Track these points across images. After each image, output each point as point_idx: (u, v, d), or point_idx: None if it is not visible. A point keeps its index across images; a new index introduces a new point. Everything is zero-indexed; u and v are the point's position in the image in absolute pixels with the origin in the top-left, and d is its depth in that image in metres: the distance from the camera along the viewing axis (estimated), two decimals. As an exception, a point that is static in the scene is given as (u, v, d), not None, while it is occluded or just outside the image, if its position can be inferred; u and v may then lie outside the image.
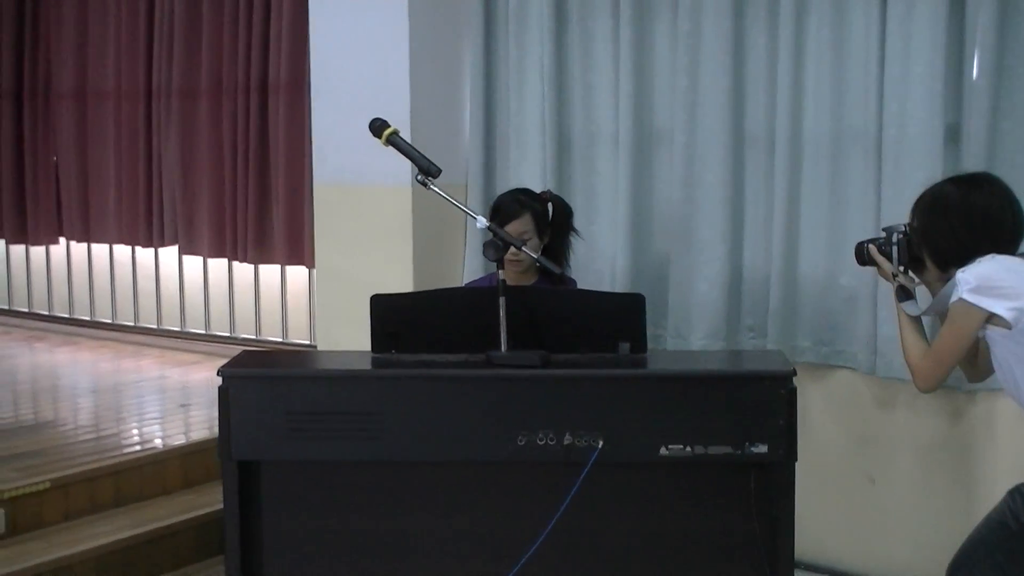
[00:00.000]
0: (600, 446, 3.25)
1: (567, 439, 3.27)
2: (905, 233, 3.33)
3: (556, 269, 3.60)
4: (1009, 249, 3.11)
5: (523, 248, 3.58)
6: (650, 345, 4.59)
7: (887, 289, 4.03)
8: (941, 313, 3.19)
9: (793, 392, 3.27)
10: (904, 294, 3.34)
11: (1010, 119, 4.02)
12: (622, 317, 3.52)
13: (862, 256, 3.48)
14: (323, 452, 3.35)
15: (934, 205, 3.21)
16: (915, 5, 4.11)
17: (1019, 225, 3.14)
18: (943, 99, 4.08)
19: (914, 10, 4.12)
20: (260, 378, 3.42)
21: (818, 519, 4.43)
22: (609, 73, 4.84)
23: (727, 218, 4.57)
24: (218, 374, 3.36)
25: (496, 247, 3.41)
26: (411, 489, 3.41)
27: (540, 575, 3.28)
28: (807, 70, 4.39)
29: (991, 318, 3.01)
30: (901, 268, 3.35)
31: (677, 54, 4.64)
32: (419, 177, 3.50)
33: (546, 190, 4.33)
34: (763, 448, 3.26)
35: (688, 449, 3.28)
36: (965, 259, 3.08)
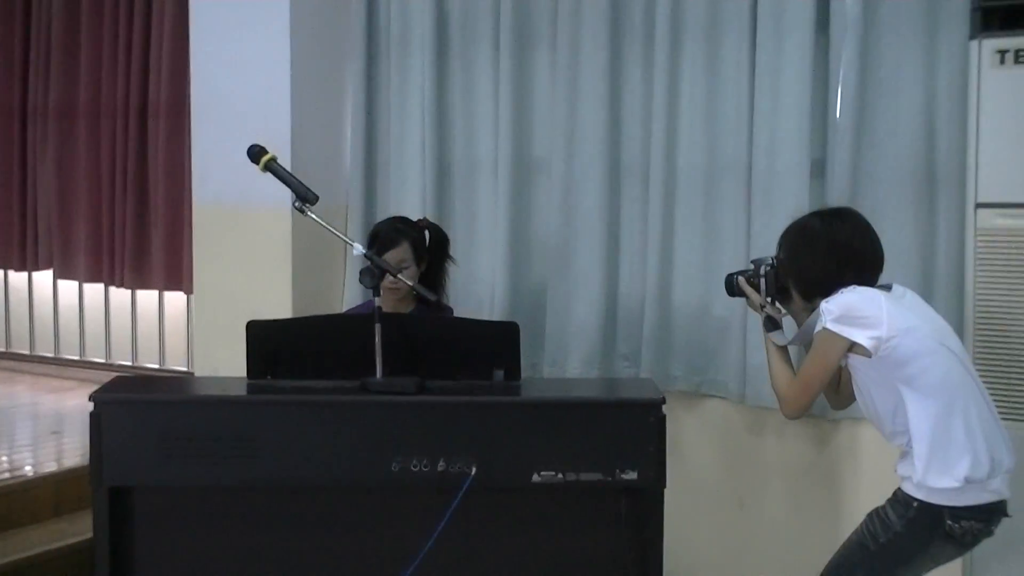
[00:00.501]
0: (473, 472, 3.28)
1: (441, 465, 3.30)
2: (772, 265, 3.43)
3: (432, 296, 3.64)
4: (870, 280, 3.23)
5: (399, 276, 3.61)
6: (527, 372, 4.68)
7: (757, 320, 4.14)
8: (806, 342, 3.30)
9: (662, 420, 3.33)
10: (771, 324, 3.44)
11: (872, 154, 4.17)
12: (497, 344, 3.56)
13: (731, 287, 3.58)
14: (197, 477, 3.33)
15: (799, 238, 3.32)
16: (782, 43, 4.25)
17: (878, 256, 3.27)
18: (809, 134, 4.22)
19: (781, 48, 4.25)
20: (133, 403, 3.39)
21: (690, 542, 4.52)
22: (489, 102, 4.90)
23: (603, 247, 4.66)
24: (90, 399, 3.33)
25: (372, 274, 3.43)
26: (286, 514, 3.40)
27: (416, 600, 3.31)
28: (681, 103, 4.50)
29: (853, 346, 3.12)
30: (768, 299, 3.46)
31: (556, 85, 4.73)
32: (296, 203, 3.50)
33: (423, 218, 4.37)
34: (633, 475, 3.32)
35: (560, 475, 3.32)
36: (829, 290, 3.19)
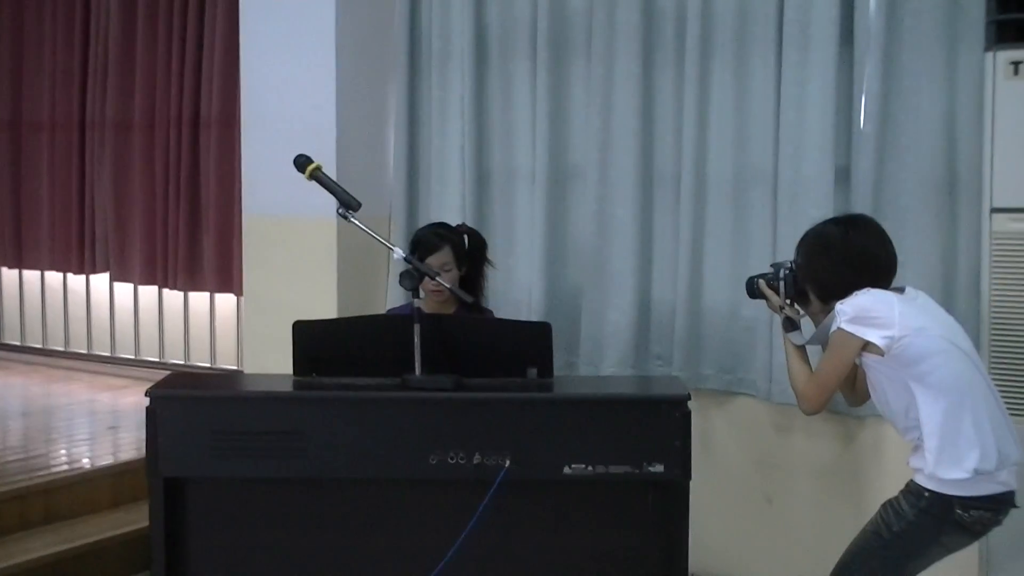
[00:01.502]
0: (507, 465, 3.43)
1: (477, 458, 3.44)
2: (791, 269, 3.59)
3: (468, 299, 3.82)
4: (884, 283, 3.38)
5: (437, 278, 3.79)
6: (563, 371, 4.85)
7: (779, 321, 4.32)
8: (823, 342, 3.45)
9: (688, 415, 3.47)
10: (790, 325, 3.60)
11: (894, 162, 4.31)
12: (531, 344, 3.71)
13: (752, 290, 3.74)
14: (246, 469, 3.50)
15: (817, 244, 3.48)
16: (808, 55, 4.39)
17: (892, 261, 3.42)
18: (833, 143, 4.36)
19: (807, 60, 4.40)
20: (186, 399, 3.58)
21: (720, 536, 4.68)
22: (527, 113, 5.08)
23: (636, 252, 4.82)
24: (146, 394, 3.50)
25: (412, 277, 3.60)
26: (329, 504, 3.56)
27: (451, 588, 3.47)
28: (711, 113, 4.66)
29: (867, 345, 3.27)
30: (788, 301, 3.62)
31: (590, 96, 4.89)
32: (340, 210, 3.67)
33: (462, 223, 4.55)
34: (660, 467, 3.45)
35: (590, 468, 3.45)
36: (844, 293, 3.35)
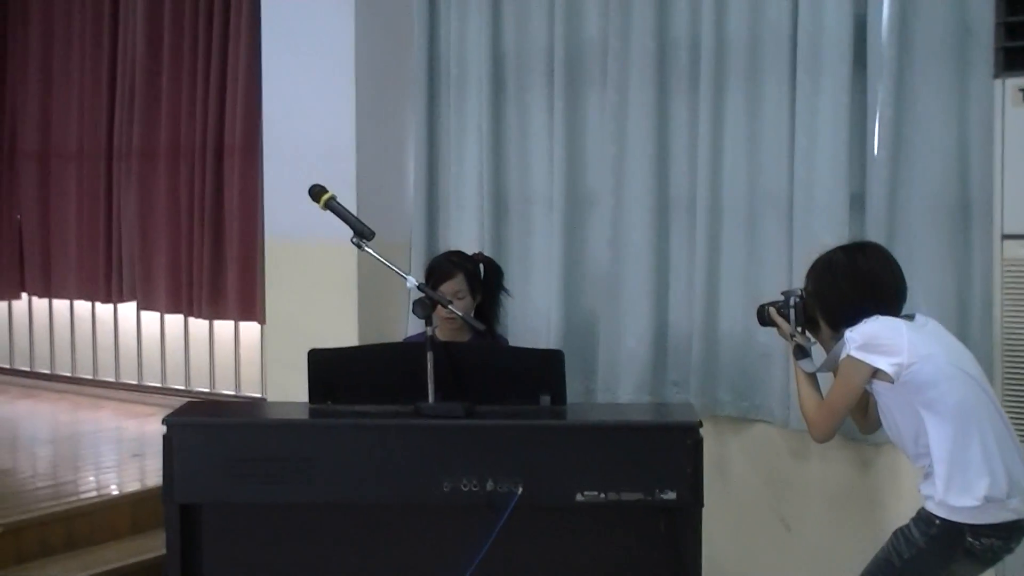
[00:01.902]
0: (520, 491, 3.45)
1: (489, 485, 3.46)
2: (801, 297, 3.61)
3: (480, 326, 3.86)
4: (893, 309, 3.40)
5: (449, 306, 3.83)
6: (581, 397, 4.87)
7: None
8: (833, 369, 3.47)
9: (699, 442, 3.48)
10: (800, 352, 3.62)
11: (907, 188, 4.32)
12: (544, 371, 3.73)
13: (763, 318, 3.76)
14: (260, 495, 3.54)
15: (825, 271, 3.51)
16: (820, 81, 4.41)
17: (900, 286, 3.44)
18: (847, 169, 4.37)
19: (819, 86, 4.41)
20: (202, 426, 3.63)
21: (737, 562, 4.68)
22: (543, 139, 5.11)
23: (652, 277, 4.83)
24: (163, 422, 3.56)
25: (424, 305, 3.64)
26: (344, 531, 3.59)
27: (464, 614, 3.50)
28: (725, 139, 4.68)
29: (876, 372, 3.29)
30: (798, 329, 3.63)
31: (605, 123, 4.92)
32: (354, 239, 3.73)
33: (478, 252, 4.58)
34: (672, 494, 3.46)
35: (602, 495, 3.47)
36: (854, 319, 3.37)
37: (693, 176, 4.75)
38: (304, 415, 3.71)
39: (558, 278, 5.02)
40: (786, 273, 4.50)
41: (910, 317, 3.41)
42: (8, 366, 7.53)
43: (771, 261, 4.61)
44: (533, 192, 5.17)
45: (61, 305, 7.26)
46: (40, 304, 7.37)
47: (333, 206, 3.78)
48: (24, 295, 7.39)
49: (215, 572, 3.61)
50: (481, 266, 4.44)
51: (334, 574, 3.61)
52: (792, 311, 3.63)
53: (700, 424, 3.53)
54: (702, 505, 3.50)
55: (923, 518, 3.33)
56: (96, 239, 6.86)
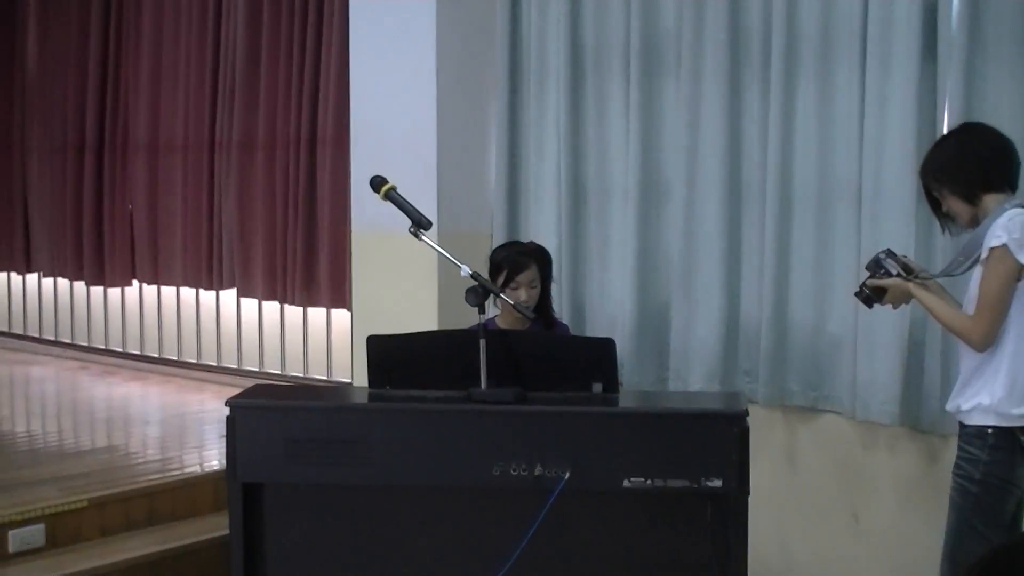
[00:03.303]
0: (567, 476, 3.52)
1: (538, 470, 3.52)
2: (887, 251, 3.59)
3: (529, 315, 3.93)
4: (1015, 175, 3.40)
5: (501, 295, 3.91)
6: (655, 386, 4.92)
7: (868, 336, 4.32)
8: (972, 255, 3.40)
9: (746, 431, 3.50)
10: (922, 285, 3.53)
11: (977, 176, 4.26)
12: (596, 359, 3.78)
13: (865, 296, 3.66)
14: (318, 476, 3.66)
15: (939, 149, 3.53)
16: (890, 70, 4.38)
17: (1016, 151, 3.44)
18: (916, 157, 4.30)
19: (890, 74, 4.39)
20: (263, 408, 3.76)
21: (806, 552, 4.69)
22: (620, 130, 5.17)
23: (723, 267, 4.86)
24: (226, 404, 3.72)
25: (477, 293, 3.73)
26: (396, 512, 3.70)
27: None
28: (795, 129, 4.68)
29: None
30: (902, 274, 3.56)
31: (680, 113, 4.96)
32: (411, 228, 3.83)
33: (530, 241, 4.66)
34: (718, 482, 3.48)
35: (649, 482, 3.50)
36: (989, 183, 3.36)
37: (764, 166, 4.76)
38: (362, 399, 3.82)
39: (632, 267, 5.08)
40: (855, 261, 4.48)
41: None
42: (121, 349, 7.83)
43: (840, 250, 4.60)
44: (609, 182, 5.23)
45: (168, 291, 7.53)
46: (149, 291, 7.64)
47: (392, 196, 3.88)
48: (135, 282, 7.68)
49: (276, 549, 3.74)
50: (537, 254, 4.51)
51: (387, 552, 3.71)
52: (888, 264, 3.58)
53: (747, 413, 3.54)
54: (748, 493, 3.52)
55: (973, 435, 3.35)
56: (199, 228, 7.11)
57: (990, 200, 3.38)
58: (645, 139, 5.07)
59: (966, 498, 3.38)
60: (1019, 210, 3.32)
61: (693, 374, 4.92)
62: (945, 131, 4.25)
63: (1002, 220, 3.27)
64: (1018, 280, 3.27)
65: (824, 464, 4.74)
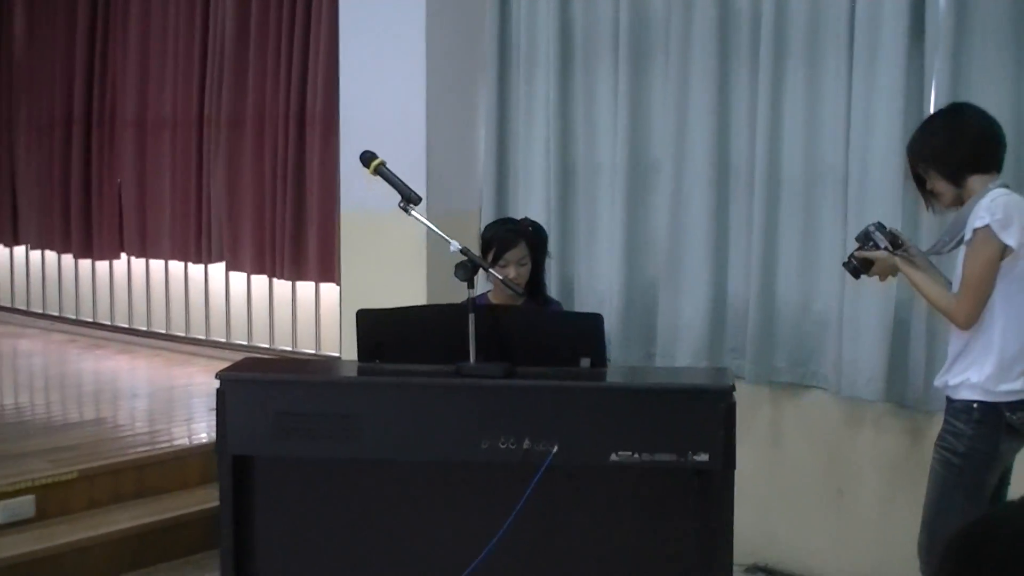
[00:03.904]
0: (555, 451, 3.55)
1: (526, 444, 3.54)
2: (877, 224, 3.61)
3: (519, 291, 3.95)
4: (1002, 153, 3.43)
5: (491, 271, 3.93)
6: (642, 363, 4.95)
7: (854, 314, 4.35)
8: (955, 235, 3.43)
9: (732, 406, 3.52)
10: (908, 259, 3.55)
11: (964, 161, 4.29)
12: (583, 335, 3.81)
13: (852, 267, 3.67)
14: (307, 450, 3.68)
15: (926, 130, 3.54)
16: (878, 53, 4.41)
17: (1002, 133, 3.48)
18: (903, 139, 4.34)
19: (877, 58, 4.42)
20: (253, 382, 3.77)
21: (789, 527, 4.74)
22: (608, 110, 5.20)
23: (710, 246, 4.89)
24: (216, 377, 3.73)
25: (466, 268, 3.75)
26: (384, 485, 3.72)
27: (499, 569, 3.57)
28: (783, 111, 4.71)
29: (1005, 249, 3.28)
30: (888, 246, 3.57)
31: (668, 94, 4.98)
32: (401, 204, 3.84)
33: (524, 218, 4.67)
34: (705, 456, 3.51)
35: (636, 456, 3.52)
36: (974, 163, 3.38)
37: (752, 147, 4.79)
38: (351, 373, 3.84)
39: (620, 245, 5.11)
40: (841, 243, 4.51)
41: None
42: (109, 323, 7.84)
43: (827, 230, 4.64)
44: (598, 162, 5.26)
45: (157, 265, 7.55)
46: (138, 264, 7.66)
47: (383, 171, 3.89)
48: (123, 255, 7.70)
49: (265, 522, 3.76)
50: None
51: (375, 526, 3.73)
52: (876, 236, 3.59)
53: (733, 388, 3.57)
54: (734, 468, 3.54)
55: (960, 409, 3.39)
56: (188, 202, 7.13)
57: (975, 182, 3.41)
58: (633, 120, 5.10)
59: (949, 470, 3.42)
60: (1002, 191, 3.35)
61: (680, 352, 4.96)
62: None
63: (985, 201, 3.31)
64: (1002, 259, 3.30)
65: (810, 440, 4.79)
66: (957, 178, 3.44)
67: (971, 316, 3.37)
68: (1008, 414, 3.33)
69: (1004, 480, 3.52)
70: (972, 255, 3.33)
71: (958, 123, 3.47)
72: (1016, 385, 3.32)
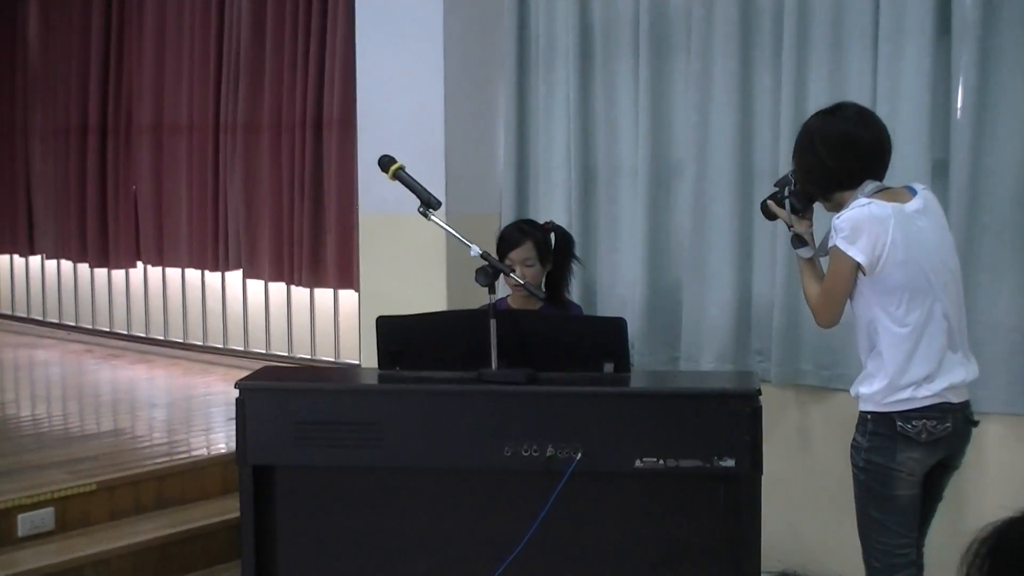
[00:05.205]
0: (579, 457, 3.49)
1: (549, 450, 3.51)
2: (793, 182, 3.52)
3: (540, 294, 3.90)
4: (877, 167, 3.33)
5: (512, 274, 3.87)
6: (666, 366, 4.89)
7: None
8: (826, 253, 3.39)
9: (758, 410, 3.49)
10: (798, 241, 3.51)
11: (992, 154, 4.22)
12: (607, 339, 3.77)
13: (766, 211, 3.63)
14: (328, 458, 3.66)
15: (800, 140, 3.44)
16: (903, 47, 4.34)
17: (880, 142, 3.35)
18: (929, 135, 4.30)
19: (902, 52, 4.35)
20: (272, 390, 3.76)
21: (819, 532, 4.66)
22: (629, 110, 5.13)
23: (735, 247, 4.83)
24: (235, 386, 3.69)
25: (486, 273, 3.70)
26: (407, 493, 3.69)
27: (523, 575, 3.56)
28: (808, 108, 4.59)
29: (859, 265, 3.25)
30: (795, 216, 3.52)
31: (690, 92, 4.92)
32: (420, 208, 3.79)
33: (549, 221, 4.61)
34: (731, 462, 3.48)
35: (661, 462, 3.50)
36: (842, 183, 3.32)
37: (776, 145, 4.72)
38: (372, 381, 3.80)
39: (643, 247, 5.04)
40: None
41: (911, 190, 3.33)
42: (125, 332, 7.79)
43: (853, 230, 4.55)
44: (619, 162, 5.19)
45: (173, 273, 7.49)
46: (154, 273, 7.60)
47: (401, 176, 3.85)
48: (140, 264, 7.64)
49: (287, 531, 3.74)
50: (552, 235, 4.46)
51: (398, 534, 3.70)
52: (787, 201, 3.52)
53: (759, 392, 3.53)
54: (761, 473, 3.51)
55: (859, 421, 3.38)
56: (204, 210, 7.07)
57: (842, 196, 3.36)
58: (655, 119, 5.03)
59: (857, 484, 3.42)
60: (861, 201, 3.27)
61: (705, 355, 4.90)
62: (960, 108, 4.23)
63: (838, 218, 3.27)
64: (863, 271, 3.25)
65: (837, 443, 4.67)
66: (826, 198, 3.42)
67: (827, 321, 3.44)
68: (900, 424, 3.27)
69: (938, 487, 3.50)
70: (828, 268, 3.36)
71: (813, 146, 3.36)
72: (904, 395, 3.27)
